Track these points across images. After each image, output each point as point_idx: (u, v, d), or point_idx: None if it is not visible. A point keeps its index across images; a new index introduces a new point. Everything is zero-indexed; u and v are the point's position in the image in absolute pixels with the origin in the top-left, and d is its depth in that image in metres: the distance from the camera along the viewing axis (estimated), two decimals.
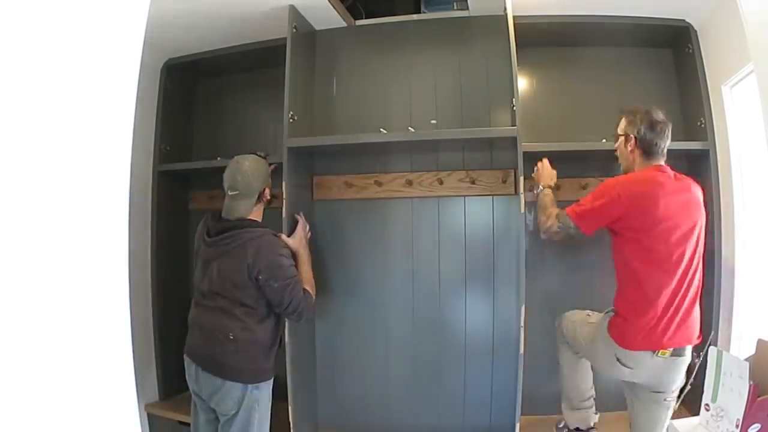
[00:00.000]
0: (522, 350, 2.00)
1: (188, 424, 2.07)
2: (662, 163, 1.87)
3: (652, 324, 1.72)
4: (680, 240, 1.74)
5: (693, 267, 1.77)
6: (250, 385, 1.87)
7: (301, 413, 2.22)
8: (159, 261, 2.65)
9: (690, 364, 1.80)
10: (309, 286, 2.00)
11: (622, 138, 1.92)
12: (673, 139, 2.06)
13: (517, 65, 2.11)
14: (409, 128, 2.28)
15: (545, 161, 2.12)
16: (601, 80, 2.41)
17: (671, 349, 1.72)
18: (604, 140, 2.18)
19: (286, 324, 2.07)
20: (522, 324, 1.99)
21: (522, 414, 2.03)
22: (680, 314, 1.74)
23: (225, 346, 1.86)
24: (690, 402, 2.20)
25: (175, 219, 2.78)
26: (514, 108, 2.09)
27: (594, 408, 2.09)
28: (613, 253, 1.85)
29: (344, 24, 2.48)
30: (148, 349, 2.63)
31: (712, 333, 2.01)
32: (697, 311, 1.80)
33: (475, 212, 2.39)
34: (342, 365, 2.48)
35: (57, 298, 0.77)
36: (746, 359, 1.30)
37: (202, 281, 1.95)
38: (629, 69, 2.40)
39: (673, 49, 2.41)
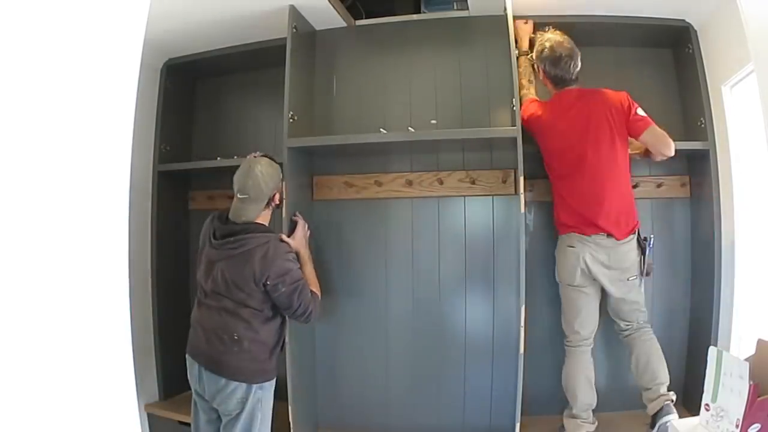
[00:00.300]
0: (522, 350, 2.00)
1: (188, 424, 2.06)
2: (572, 87, 2.09)
3: (578, 214, 2.01)
4: (585, 144, 1.99)
5: (607, 163, 1.99)
6: (254, 385, 1.87)
7: (301, 413, 2.22)
8: (159, 261, 2.64)
9: (640, 243, 2.03)
10: (314, 286, 2.01)
11: (535, 65, 2.15)
12: (672, 139, 2.07)
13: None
14: (409, 128, 2.28)
15: (519, 23, 2.23)
16: (601, 80, 2.40)
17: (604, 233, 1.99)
18: None
19: (287, 324, 2.07)
20: (522, 324, 1.99)
21: (522, 414, 2.03)
22: (603, 205, 1.98)
23: (229, 346, 1.86)
24: (690, 402, 2.22)
25: (175, 219, 2.77)
26: (514, 108, 2.09)
27: (591, 419, 2.11)
28: None
29: (344, 24, 2.48)
30: (148, 349, 2.63)
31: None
32: (623, 200, 2.02)
33: (475, 212, 2.39)
34: (342, 365, 2.48)
35: (57, 298, 0.78)
36: (746, 359, 1.30)
37: (206, 281, 1.95)
38: (629, 69, 2.40)
39: (673, 49, 2.41)
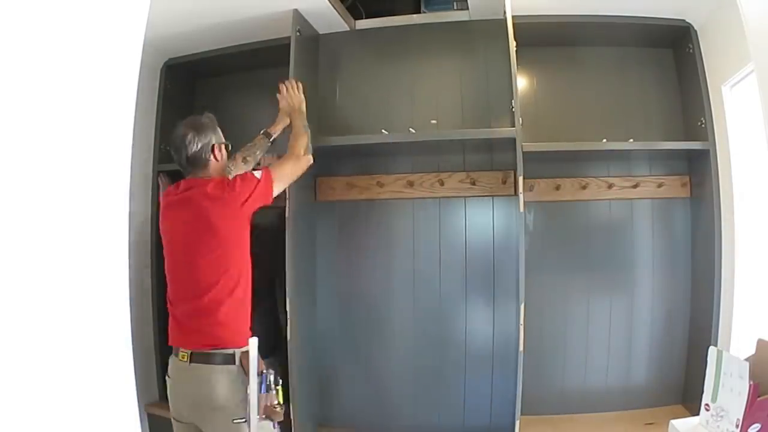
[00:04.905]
0: (522, 349, 2.00)
1: None
2: (189, 177, 1.90)
3: (172, 321, 1.68)
4: (179, 240, 1.72)
5: (195, 264, 1.64)
6: None
7: (302, 413, 2.22)
8: (159, 261, 2.64)
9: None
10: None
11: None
12: (673, 139, 2.07)
13: (517, 65, 2.11)
14: (411, 130, 2.28)
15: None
16: (602, 80, 2.41)
17: (189, 351, 1.57)
18: (604, 140, 2.18)
19: (288, 324, 2.07)
20: (522, 322, 1.99)
21: (522, 414, 2.03)
22: (190, 314, 1.61)
23: None
24: (690, 402, 2.22)
25: None
26: (514, 110, 2.09)
27: None
28: None
29: (346, 28, 2.48)
30: (148, 349, 2.62)
31: None
32: (219, 312, 1.58)
33: (475, 213, 2.40)
34: (343, 364, 2.48)
35: (57, 298, 0.78)
36: (746, 359, 1.30)
37: None
38: (629, 69, 2.40)
39: (674, 49, 2.41)
